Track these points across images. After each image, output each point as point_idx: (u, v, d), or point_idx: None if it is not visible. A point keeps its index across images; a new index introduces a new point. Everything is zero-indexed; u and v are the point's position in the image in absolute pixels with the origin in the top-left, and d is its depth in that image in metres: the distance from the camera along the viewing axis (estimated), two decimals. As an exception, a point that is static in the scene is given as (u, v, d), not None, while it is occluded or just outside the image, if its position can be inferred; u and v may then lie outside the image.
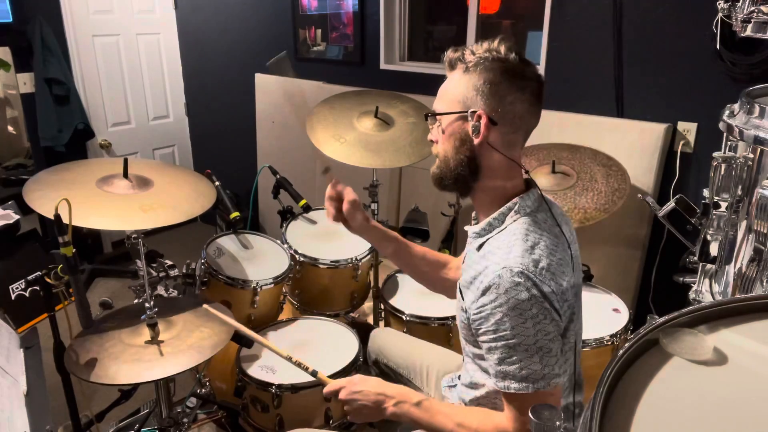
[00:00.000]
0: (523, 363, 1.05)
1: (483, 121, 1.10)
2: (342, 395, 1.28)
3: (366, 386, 1.26)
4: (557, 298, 1.05)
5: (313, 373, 1.39)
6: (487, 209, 1.18)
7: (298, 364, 1.40)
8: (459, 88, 1.12)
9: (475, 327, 1.11)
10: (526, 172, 1.17)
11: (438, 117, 1.17)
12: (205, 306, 1.57)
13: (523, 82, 1.09)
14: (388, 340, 1.73)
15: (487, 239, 1.15)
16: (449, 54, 1.14)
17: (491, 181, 1.16)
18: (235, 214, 2.18)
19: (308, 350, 1.91)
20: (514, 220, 1.13)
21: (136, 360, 1.52)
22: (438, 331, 1.96)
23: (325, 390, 1.33)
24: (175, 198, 1.65)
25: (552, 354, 1.05)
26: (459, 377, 1.38)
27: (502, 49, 1.10)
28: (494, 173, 1.15)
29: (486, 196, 1.18)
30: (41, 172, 1.63)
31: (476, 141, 1.11)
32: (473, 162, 1.14)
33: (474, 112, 1.10)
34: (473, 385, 1.26)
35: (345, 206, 1.40)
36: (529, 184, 1.19)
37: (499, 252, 1.09)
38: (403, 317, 1.97)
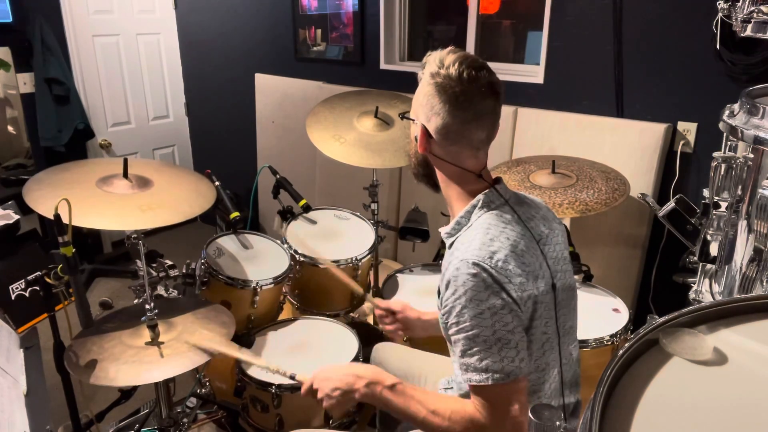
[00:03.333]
0: (482, 354, 1.06)
1: (420, 133, 1.17)
2: (315, 385, 1.28)
3: (336, 371, 1.27)
4: (515, 288, 1.06)
5: (292, 377, 1.40)
6: (455, 209, 1.21)
7: (277, 371, 1.41)
8: (416, 95, 1.18)
9: (444, 322, 1.13)
10: (480, 176, 1.18)
11: (405, 118, 1.26)
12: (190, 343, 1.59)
13: (455, 96, 1.10)
14: (388, 353, 1.74)
15: (457, 237, 1.18)
16: (423, 59, 1.17)
17: (449, 183, 1.21)
18: (235, 214, 2.18)
19: (308, 350, 1.91)
20: (479, 216, 1.15)
21: (136, 361, 1.52)
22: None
23: (302, 391, 1.32)
24: (175, 198, 1.65)
25: (511, 346, 1.06)
26: (455, 380, 1.38)
27: (447, 60, 1.11)
28: (448, 177, 1.20)
29: (450, 196, 1.22)
30: (41, 172, 1.63)
31: (419, 150, 1.19)
32: (426, 164, 1.23)
33: (417, 122, 1.18)
34: (461, 386, 1.26)
35: (399, 313, 1.55)
36: (497, 180, 1.21)
37: (461, 247, 1.12)
38: (403, 317, 1.97)
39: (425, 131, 1.16)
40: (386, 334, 1.64)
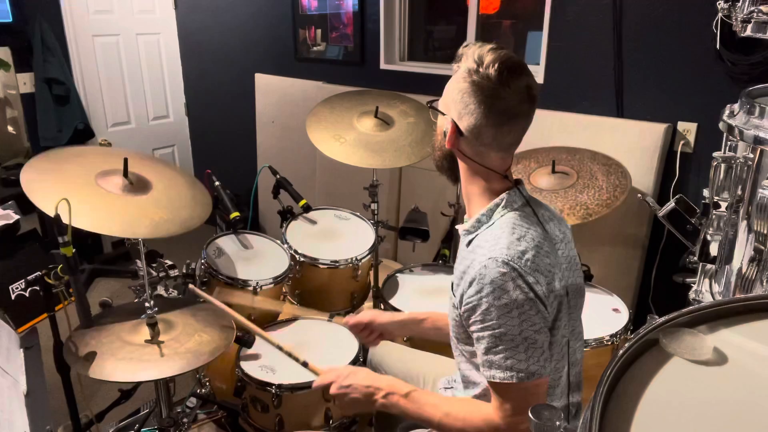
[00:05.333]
0: (508, 353, 1.05)
1: (450, 129, 1.14)
2: (332, 390, 1.30)
3: (356, 379, 1.28)
4: (542, 289, 1.06)
5: (304, 364, 1.41)
6: (475, 206, 1.20)
7: (289, 355, 1.42)
8: (448, 88, 1.16)
9: (465, 319, 1.12)
10: (505, 177, 1.17)
11: (433, 108, 1.23)
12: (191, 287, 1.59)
13: (492, 100, 1.08)
14: (386, 354, 1.74)
15: (476, 235, 1.17)
16: (460, 49, 1.14)
17: (472, 180, 1.19)
18: (235, 214, 2.18)
19: (308, 350, 1.90)
20: (502, 216, 1.14)
21: (134, 359, 1.52)
22: (438, 331, 1.96)
23: (315, 384, 1.35)
24: (174, 206, 1.64)
25: (537, 346, 1.06)
26: (455, 380, 1.38)
27: (487, 59, 1.07)
28: (472, 174, 1.19)
29: (472, 193, 1.20)
30: (36, 158, 1.61)
31: (447, 145, 1.17)
32: (452, 158, 1.22)
33: (448, 117, 1.15)
34: (468, 384, 1.26)
35: (372, 323, 1.55)
36: (518, 181, 1.20)
37: (486, 245, 1.11)
38: (403, 317, 1.97)
39: (455, 128, 1.13)
40: (367, 345, 1.67)
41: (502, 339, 1.05)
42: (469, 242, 1.18)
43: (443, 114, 1.18)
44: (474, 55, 1.09)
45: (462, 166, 1.20)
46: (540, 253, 1.09)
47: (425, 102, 1.30)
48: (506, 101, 1.08)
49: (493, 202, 1.16)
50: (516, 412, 1.08)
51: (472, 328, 1.11)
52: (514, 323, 1.04)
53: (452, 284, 1.20)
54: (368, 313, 1.58)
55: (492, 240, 1.10)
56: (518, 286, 1.04)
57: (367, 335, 1.58)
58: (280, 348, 1.46)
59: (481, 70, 1.07)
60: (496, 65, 1.07)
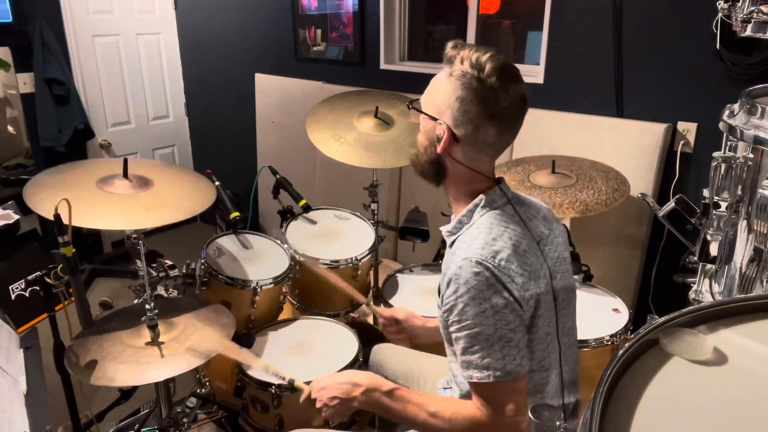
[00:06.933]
0: (484, 352, 1.06)
1: (445, 136, 1.12)
2: (313, 394, 1.30)
3: (332, 378, 1.28)
4: (517, 287, 1.07)
5: (290, 382, 1.41)
6: (458, 207, 1.21)
7: (275, 375, 1.42)
8: (439, 91, 1.12)
9: (445, 320, 1.13)
10: (494, 181, 1.18)
11: (418, 110, 1.20)
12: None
13: (495, 108, 1.07)
14: (387, 354, 1.74)
15: (458, 236, 1.17)
16: (448, 49, 1.12)
17: (457, 183, 1.20)
18: (235, 214, 2.18)
19: (308, 350, 1.91)
20: (481, 216, 1.15)
21: (135, 361, 1.52)
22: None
23: (300, 399, 1.35)
24: (176, 196, 1.65)
25: (513, 344, 1.06)
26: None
27: (488, 67, 1.06)
28: (459, 178, 1.19)
29: (455, 194, 1.21)
30: (40, 174, 1.63)
31: (438, 150, 1.15)
32: (439, 164, 1.19)
33: (441, 123, 1.12)
34: (459, 384, 1.26)
35: (404, 322, 1.54)
36: (499, 180, 1.21)
37: (463, 246, 1.11)
38: (403, 317, 1.97)
39: (452, 135, 1.12)
40: (393, 341, 1.64)
41: (478, 338, 1.06)
42: (452, 243, 1.19)
43: (434, 119, 1.14)
44: (472, 60, 1.07)
45: (449, 169, 1.19)
46: (517, 252, 1.09)
47: (407, 103, 1.26)
48: (507, 108, 1.09)
49: (472, 203, 1.17)
50: (497, 410, 1.08)
51: (451, 329, 1.11)
52: (489, 323, 1.05)
53: (439, 286, 1.21)
54: (403, 311, 1.58)
55: (469, 240, 1.11)
56: (491, 285, 1.04)
57: (395, 332, 1.58)
58: (266, 369, 1.46)
59: (482, 77, 1.06)
60: (499, 73, 1.06)
